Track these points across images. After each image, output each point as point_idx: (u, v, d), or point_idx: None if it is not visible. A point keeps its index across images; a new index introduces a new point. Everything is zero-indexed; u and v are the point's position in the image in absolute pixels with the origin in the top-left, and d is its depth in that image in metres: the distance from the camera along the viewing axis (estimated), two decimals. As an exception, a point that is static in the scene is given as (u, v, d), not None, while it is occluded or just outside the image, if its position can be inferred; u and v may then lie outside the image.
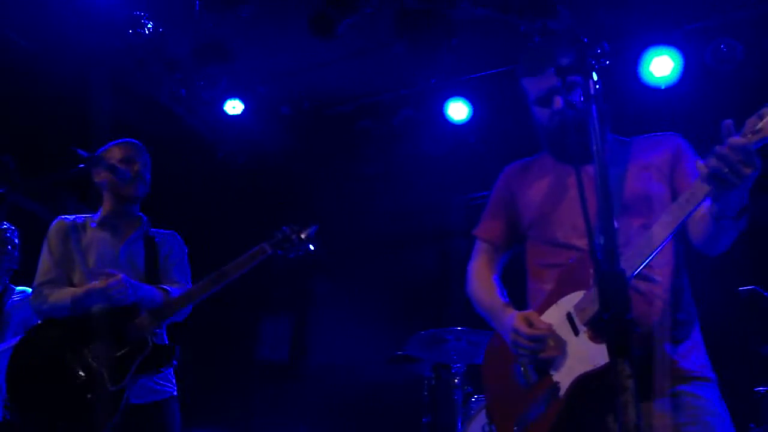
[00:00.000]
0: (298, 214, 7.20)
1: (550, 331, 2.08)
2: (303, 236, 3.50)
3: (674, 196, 2.18)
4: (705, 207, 1.95)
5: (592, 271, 1.95)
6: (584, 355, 1.98)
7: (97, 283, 3.03)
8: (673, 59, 5.33)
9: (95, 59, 5.45)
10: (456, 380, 4.47)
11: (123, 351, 2.96)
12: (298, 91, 6.34)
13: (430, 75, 5.76)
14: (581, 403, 2.02)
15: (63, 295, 3.10)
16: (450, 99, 6.05)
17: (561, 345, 2.05)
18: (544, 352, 2.08)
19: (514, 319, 2.15)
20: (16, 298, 4.46)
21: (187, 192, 6.84)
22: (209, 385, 6.44)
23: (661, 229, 1.93)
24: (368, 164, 6.61)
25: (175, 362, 3.16)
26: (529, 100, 2.37)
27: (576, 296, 2.06)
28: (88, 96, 5.49)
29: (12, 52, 5.21)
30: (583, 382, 1.98)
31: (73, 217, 3.40)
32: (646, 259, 1.94)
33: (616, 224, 1.97)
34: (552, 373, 2.07)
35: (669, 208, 1.96)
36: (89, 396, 2.86)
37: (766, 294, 4.04)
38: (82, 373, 2.90)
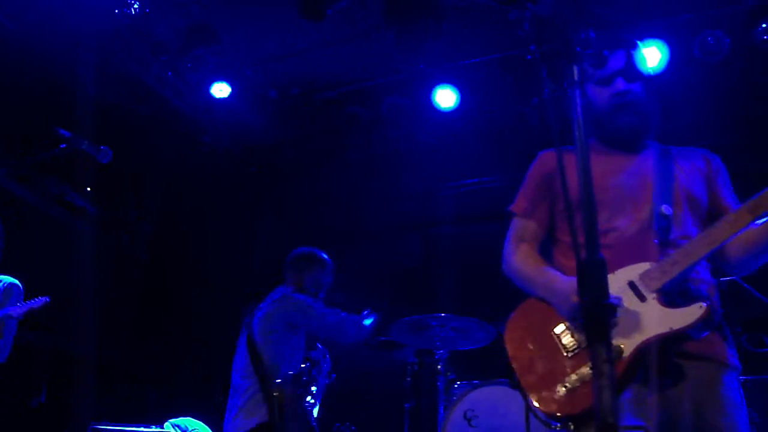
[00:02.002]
0: (281, 198, 7.20)
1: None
2: None
3: (710, 208, 2.34)
4: (754, 226, 2.13)
5: (656, 242, 2.17)
6: (656, 319, 2.04)
7: None
8: (661, 50, 5.34)
9: (81, 39, 5.39)
10: (439, 366, 4.49)
11: None
12: (285, 75, 6.30)
13: (419, 61, 5.74)
14: (641, 368, 2.07)
15: None
16: (438, 86, 6.03)
17: (621, 310, 2.08)
18: None
19: None
20: None
21: (171, 174, 6.81)
22: (196, 372, 6.45)
23: (719, 235, 2.09)
24: (355, 150, 6.60)
25: None
26: (588, 79, 2.41)
27: (639, 267, 2.13)
28: (73, 77, 5.44)
29: (-3, 33, 5.14)
30: (649, 346, 2.03)
31: None
32: (702, 257, 2.10)
33: (668, 210, 2.21)
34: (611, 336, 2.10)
35: (726, 218, 2.10)
36: None
37: (745, 285, 4.09)
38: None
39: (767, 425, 4.15)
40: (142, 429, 5.05)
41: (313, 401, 4.19)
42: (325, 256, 4.73)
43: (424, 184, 6.58)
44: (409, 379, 4.75)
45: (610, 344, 1.29)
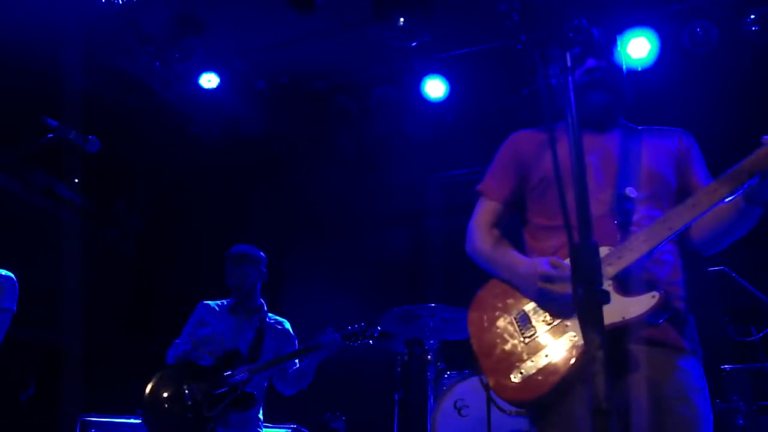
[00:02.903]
0: (271, 190, 7.17)
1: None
2: (368, 334, 4.35)
3: (680, 187, 2.31)
4: (720, 204, 2.10)
5: (616, 225, 2.15)
6: (610, 308, 2.01)
7: None
8: (650, 41, 5.35)
9: (68, 30, 5.33)
10: (429, 356, 4.49)
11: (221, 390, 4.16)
12: (274, 66, 6.26)
13: (408, 52, 5.72)
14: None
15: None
16: (427, 77, 6.02)
17: None
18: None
19: (544, 263, 2.14)
20: None
21: (160, 165, 6.77)
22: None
23: (678, 220, 2.05)
24: (344, 141, 6.58)
25: (259, 407, 4.35)
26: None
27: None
28: (60, 67, 5.38)
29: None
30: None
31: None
32: (660, 243, 2.07)
33: (633, 192, 2.19)
34: (567, 323, 2.09)
35: (685, 202, 2.07)
36: (190, 415, 4.09)
37: (733, 274, 4.12)
38: (189, 402, 4.13)
39: (753, 413, 4.19)
40: (131, 420, 5.04)
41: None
42: (233, 249, 4.72)
43: (414, 174, 6.57)
44: (399, 369, 4.75)
45: (603, 330, 1.29)
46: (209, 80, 6.15)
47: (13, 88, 5.22)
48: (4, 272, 4.28)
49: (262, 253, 4.77)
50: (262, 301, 4.71)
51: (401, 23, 5.11)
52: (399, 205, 6.79)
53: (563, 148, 1.83)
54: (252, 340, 4.49)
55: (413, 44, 5.48)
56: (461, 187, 6.49)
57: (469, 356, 2.29)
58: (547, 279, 2.11)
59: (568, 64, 1.53)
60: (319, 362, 4.36)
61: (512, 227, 2.53)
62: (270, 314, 4.71)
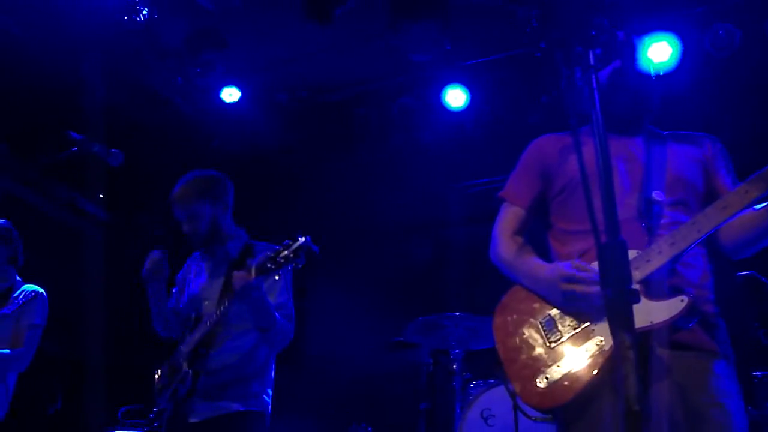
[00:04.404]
0: (292, 201, 7.20)
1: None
2: (291, 254, 3.13)
3: (708, 192, 2.29)
4: (752, 210, 2.10)
5: (643, 228, 2.13)
6: (638, 312, 2.01)
7: None
8: (672, 45, 5.30)
9: (89, 45, 5.41)
10: (454, 366, 4.46)
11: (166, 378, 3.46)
12: (294, 78, 6.30)
13: (428, 61, 5.72)
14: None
15: None
16: (448, 86, 6.02)
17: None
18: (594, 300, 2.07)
19: (566, 266, 2.13)
20: (20, 296, 4.15)
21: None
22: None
23: (706, 222, 2.03)
24: (365, 152, 6.59)
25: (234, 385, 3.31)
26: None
27: None
28: (82, 83, 5.46)
29: (5, 39, 5.16)
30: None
31: None
32: (689, 246, 2.04)
33: (660, 196, 2.18)
34: (593, 328, 2.07)
35: (715, 204, 2.05)
36: (151, 416, 3.46)
37: (763, 279, 4.05)
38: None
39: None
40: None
41: None
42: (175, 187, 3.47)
43: (436, 184, 6.56)
44: (424, 379, 4.72)
45: (634, 330, 1.26)
46: (230, 94, 6.20)
47: (36, 103, 5.30)
48: (35, 288, 4.31)
49: (216, 176, 3.58)
50: (238, 231, 3.58)
51: (419, 34, 5.11)
52: (421, 215, 6.78)
53: (588, 152, 1.79)
54: (219, 294, 3.29)
55: (431, 56, 5.47)
56: (483, 196, 6.46)
57: (494, 364, 2.28)
58: (570, 280, 2.09)
59: (591, 62, 1.51)
60: (257, 307, 3.17)
61: (538, 232, 2.51)
62: (258, 243, 3.54)
